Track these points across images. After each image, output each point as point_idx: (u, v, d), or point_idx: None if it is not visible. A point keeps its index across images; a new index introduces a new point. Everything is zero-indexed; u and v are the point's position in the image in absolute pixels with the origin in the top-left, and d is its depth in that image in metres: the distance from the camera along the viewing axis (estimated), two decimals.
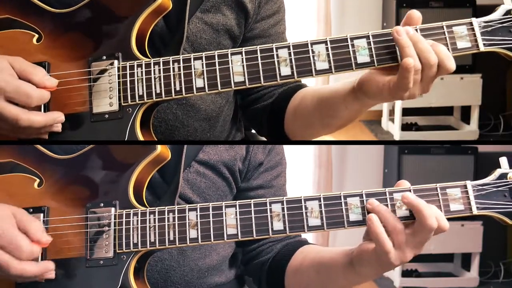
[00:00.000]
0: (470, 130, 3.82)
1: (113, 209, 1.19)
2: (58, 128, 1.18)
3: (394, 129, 3.80)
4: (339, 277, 1.23)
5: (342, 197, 1.15)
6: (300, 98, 1.38)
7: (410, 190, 1.14)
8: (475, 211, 1.14)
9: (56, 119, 1.18)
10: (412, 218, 1.12)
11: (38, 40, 1.22)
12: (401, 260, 1.11)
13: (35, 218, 1.17)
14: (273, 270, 1.37)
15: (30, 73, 1.16)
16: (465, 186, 1.14)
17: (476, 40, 1.15)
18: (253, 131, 1.58)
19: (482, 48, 1.15)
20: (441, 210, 1.12)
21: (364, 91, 1.19)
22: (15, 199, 1.19)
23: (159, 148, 1.21)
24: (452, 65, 1.13)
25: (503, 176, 1.15)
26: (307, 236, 1.46)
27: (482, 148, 3.43)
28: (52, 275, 1.16)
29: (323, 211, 1.15)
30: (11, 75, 1.15)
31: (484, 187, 1.15)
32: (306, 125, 1.37)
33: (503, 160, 1.16)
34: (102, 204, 1.19)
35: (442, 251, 3.44)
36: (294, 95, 1.40)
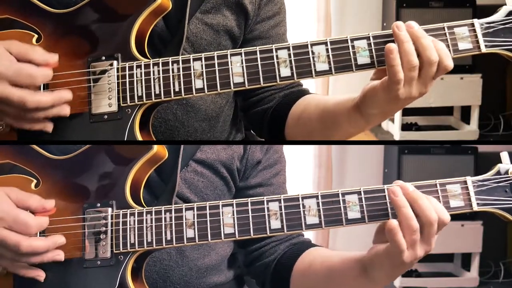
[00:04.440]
0: (470, 130, 3.81)
1: (110, 209, 1.19)
2: (66, 111, 1.18)
3: (394, 129, 3.79)
4: (348, 283, 1.22)
5: (340, 195, 1.14)
6: (304, 105, 1.38)
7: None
8: (476, 208, 1.13)
9: (63, 97, 1.17)
10: None
11: (37, 40, 1.22)
12: (412, 259, 1.10)
13: (29, 193, 1.17)
14: (279, 272, 1.36)
15: (29, 54, 1.16)
16: (465, 182, 1.14)
17: (477, 42, 1.15)
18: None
19: (484, 50, 1.15)
20: None
21: (365, 102, 1.19)
22: None
23: (156, 147, 1.21)
24: (450, 63, 1.13)
25: (504, 171, 1.14)
26: (307, 235, 1.45)
27: (482, 148, 3.43)
28: (61, 256, 1.16)
29: (321, 209, 1.14)
30: (10, 60, 1.14)
31: (484, 182, 1.14)
32: (307, 134, 1.37)
33: (504, 155, 1.16)
34: (99, 205, 1.19)
35: (442, 251, 3.43)
36: (298, 101, 1.39)
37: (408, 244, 1.09)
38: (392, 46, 1.11)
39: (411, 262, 1.11)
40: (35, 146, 1.24)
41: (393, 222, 1.08)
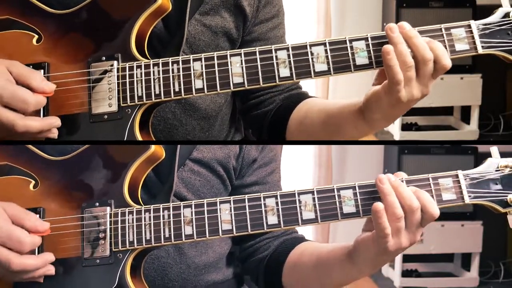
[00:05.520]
0: (470, 130, 3.80)
1: (108, 208, 1.20)
2: (54, 134, 1.19)
3: (394, 129, 3.79)
4: (335, 269, 1.23)
5: (335, 190, 1.16)
6: (305, 110, 1.38)
7: (402, 181, 1.15)
8: (467, 200, 1.15)
9: (52, 124, 1.18)
10: None
11: (38, 41, 1.23)
12: (397, 247, 1.11)
13: (26, 210, 1.18)
14: (271, 267, 1.37)
15: (28, 78, 1.16)
16: (457, 176, 1.16)
17: (474, 43, 1.15)
18: None
19: (481, 51, 1.15)
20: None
21: (368, 107, 1.19)
22: (11, 201, 1.19)
23: (153, 147, 1.21)
24: (447, 62, 1.13)
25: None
26: (305, 232, 1.46)
27: (482, 148, 3.42)
28: (52, 271, 1.17)
29: (317, 204, 1.16)
30: (8, 81, 1.15)
31: (475, 175, 1.16)
32: (309, 139, 1.37)
33: (494, 150, 1.18)
34: (97, 204, 1.20)
35: (442, 251, 3.43)
36: (298, 105, 1.40)
37: (392, 231, 1.10)
38: (389, 47, 1.12)
39: (396, 250, 1.12)
40: (32, 147, 1.24)
41: (379, 205, 1.10)
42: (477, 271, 3.46)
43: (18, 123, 1.14)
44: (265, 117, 1.44)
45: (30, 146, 1.24)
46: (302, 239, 1.40)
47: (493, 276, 3.55)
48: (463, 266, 3.56)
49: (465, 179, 1.15)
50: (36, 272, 1.16)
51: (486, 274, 3.54)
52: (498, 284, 3.53)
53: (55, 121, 1.18)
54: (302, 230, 1.45)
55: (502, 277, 3.54)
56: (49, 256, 1.17)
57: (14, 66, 1.17)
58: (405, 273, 3.48)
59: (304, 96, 1.44)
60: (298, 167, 3.56)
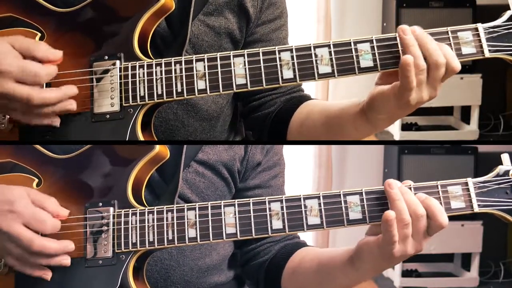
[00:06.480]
0: (470, 130, 3.81)
1: (111, 208, 1.19)
2: (72, 106, 1.17)
3: (394, 129, 3.79)
4: (337, 274, 1.23)
5: (341, 196, 1.15)
6: (307, 112, 1.38)
7: (410, 188, 1.14)
8: (476, 209, 1.14)
9: (68, 93, 1.17)
10: None
11: (40, 39, 1.22)
12: (402, 253, 1.11)
13: (48, 196, 1.17)
14: (271, 271, 1.37)
15: (33, 50, 1.16)
16: (466, 184, 1.14)
17: (481, 46, 1.15)
18: None
19: (488, 54, 1.15)
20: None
21: (373, 108, 1.19)
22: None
23: (158, 147, 1.21)
24: (457, 65, 1.13)
25: (505, 173, 1.15)
26: (306, 235, 1.46)
27: (482, 148, 3.43)
28: (67, 262, 1.16)
29: (323, 210, 1.15)
30: (15, 57, 1.14)
31: (485, 184, 1.14)
32: (313, 139, 1.37)
33: (505, 157, 1.16)
34: (100, 204, 1.20)
35: (442, 251, 3.44)
36: (299, 107, 1.39)
37: (399, 237, 1.10)
38: (410, 59, 1.10)
39: (400, 257, 1.12)
40: (37, 145, 1.24)
41: (391, 213, 1.10)
42: (477, 271, 3.46)
43: (34, 97, 1.13)
44: (266, 118, 1.43)
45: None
46: (303, 244, 1.39)
47: (493, 276, 3.56)
48: (463, 266, 3.57)
49: (475, 187, 1.14)
50: (53, 259, 1.15)
51: (486, 274, 3.54)
52: (498, 284, 3.53)
53: (71, 90, 1.17)
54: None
55: (502, 277, 3.55)
56: (69, 244, 1.16)
57: (16, 41, 1.16)
58: (405, 273, 3.48)
59: (306, 98, 1.43)
60: (298, 167, 3.56)
